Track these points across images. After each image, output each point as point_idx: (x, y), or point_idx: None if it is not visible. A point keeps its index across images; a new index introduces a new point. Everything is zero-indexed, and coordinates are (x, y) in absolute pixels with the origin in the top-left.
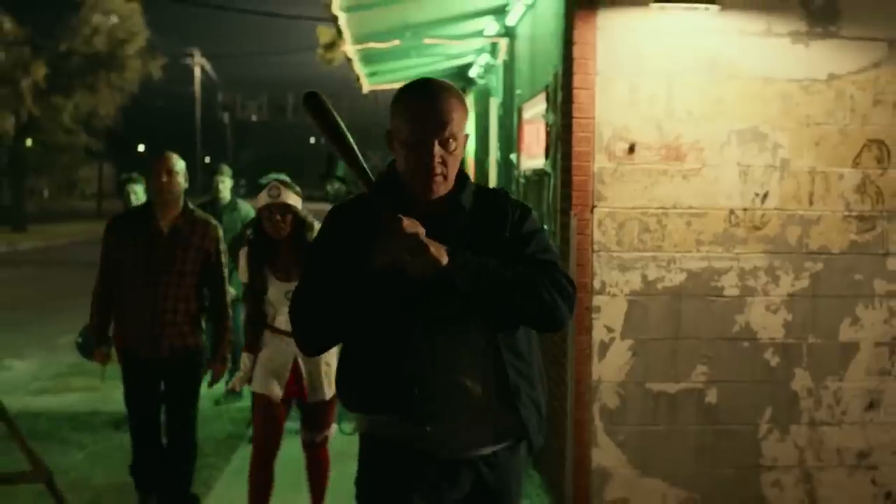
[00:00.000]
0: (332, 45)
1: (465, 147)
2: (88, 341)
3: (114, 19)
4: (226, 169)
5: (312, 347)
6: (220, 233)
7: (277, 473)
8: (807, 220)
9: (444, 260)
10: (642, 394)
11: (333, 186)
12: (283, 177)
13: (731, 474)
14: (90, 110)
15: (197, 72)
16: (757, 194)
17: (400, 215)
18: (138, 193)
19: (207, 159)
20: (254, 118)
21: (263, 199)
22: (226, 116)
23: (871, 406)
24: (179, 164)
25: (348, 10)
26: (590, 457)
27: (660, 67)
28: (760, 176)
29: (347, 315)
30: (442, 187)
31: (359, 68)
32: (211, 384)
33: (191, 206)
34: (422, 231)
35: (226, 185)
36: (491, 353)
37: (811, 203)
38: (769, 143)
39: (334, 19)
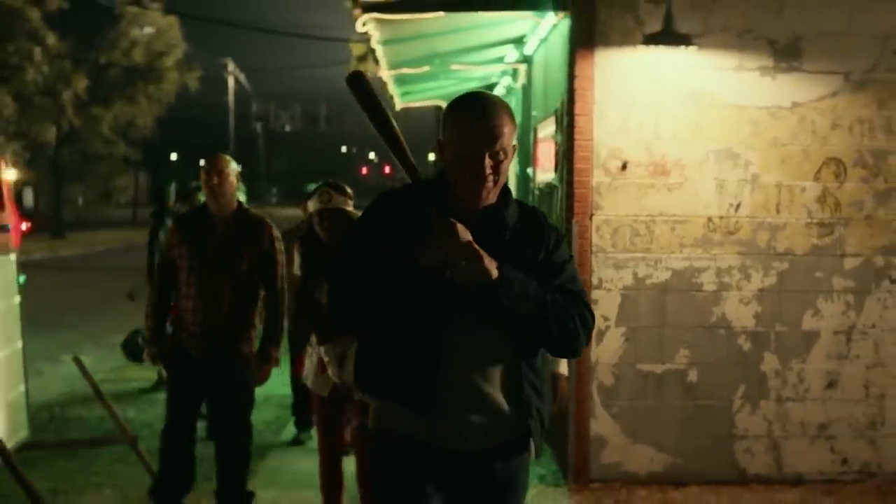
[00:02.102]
0: (364, 58)
1: (513, 158)
2: (131, 344)
3: (151, 31)
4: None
5: (342, 327)
6: (277, 232)
7: None
8: (774, 227)
9: (495, 273)
10: (633, 373)
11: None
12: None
13: (709, 442)
14: (128, 120)
15: (231, 82)
16: (731, 204)
17: (453, 220)
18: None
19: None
20: (287, 128)
21: (314, 204)
22: (259, 126)
23: (830, 385)
24: (231, 166)
25: (384, 43)
26: (589, 427)
27: (648, 97)
28: (734, 189)
29: (383, 304)
30: (491, 195)
31: (392, 89)
32: (256, 384)
33: (245, 206)
34: (471, 239)
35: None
36: (512, 364)
37: (778, 212)
38: (742, 161)
39: (372, 51)
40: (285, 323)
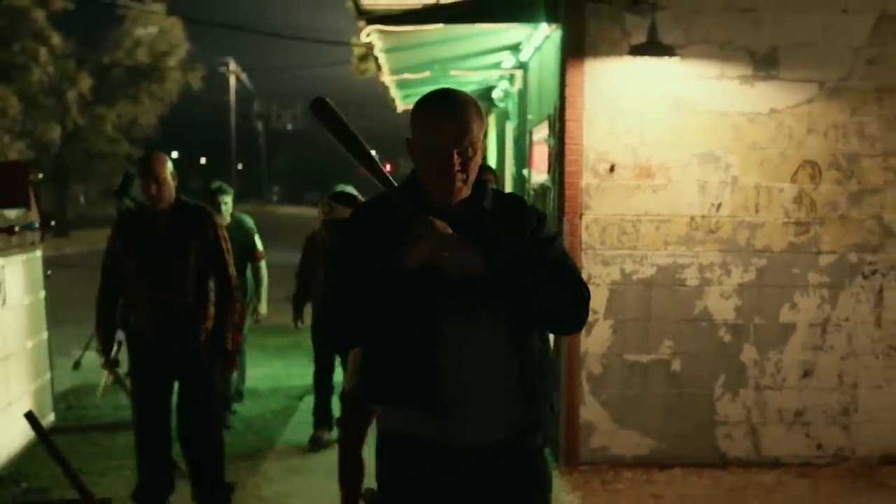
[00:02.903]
0: (365, 58)
1: (483, 152)
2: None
3: (154, 30)
4: (227, 188)
5: (343, 347)
6: (219, 219)
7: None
8: (753, 225)
9: (482, 260)
10: (620, 363)
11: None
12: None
13: (691, 428)
14: (131, 120)
15: (232, 80)
16: (713, 204)
17: (430, 217)
18: (228, 204)
19: (240, 166)
20: (289, 127)
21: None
22: (259, 125)
23: (806, 374)
24: (164, 166)
25: (387, 51)
26: (578, 413)
27: (634, 104)
28: (715, 190)
29: (377, 315)
30: (463, 191)
31: (394, 92)
32: (221, 374)
33: (184, 198)
34: (450, 231)
35: (228, 206)
36: (511, 352)
37: (757, 211)
38: (722, 163)
39: (375, 59)
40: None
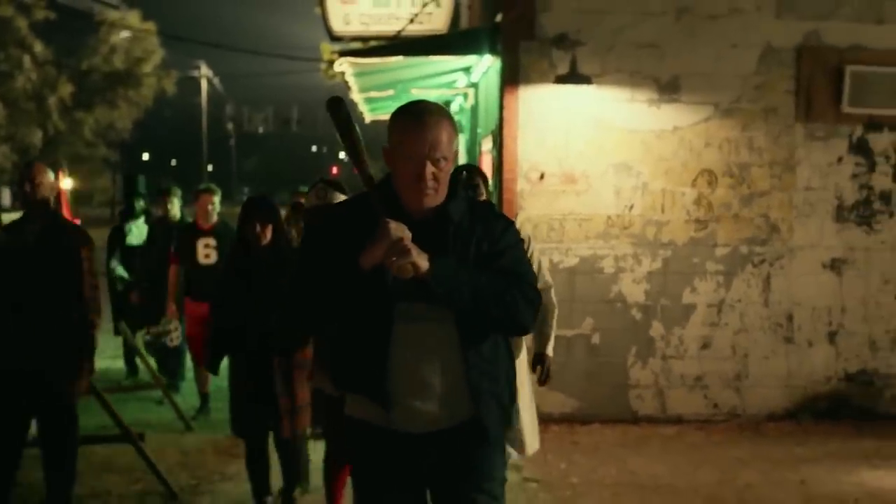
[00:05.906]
0: (334, 62)
1: (454, 162)
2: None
3: (128, 35)
4: (175, 190)
5: (293, 339)
6: (90, 241)
7: None
8: (660, 223)
9: (425, 266)
10: None
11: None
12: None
13: (608, 391)
14: (109, 124)
15: (203, 84)
16: (626, 206)
17: (389, 220)
18: (174, 203)
19: (211, 167)
20: (261, 129)
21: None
22: (230, 127)
23: (705, 346)
24: (45, 175)
25: (356, 75)
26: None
27: (560, 123)
28: (629, 194)
29: (336, 307)
30: (434, 199)
31: (362, 106)
32: (74, 398)
33: (60, 215)
34: (408, 235)
35: (174, 205)
36: (458, 351)
37: (663, 211)
38: (634, 172)
39: (346, 83)
40: None
